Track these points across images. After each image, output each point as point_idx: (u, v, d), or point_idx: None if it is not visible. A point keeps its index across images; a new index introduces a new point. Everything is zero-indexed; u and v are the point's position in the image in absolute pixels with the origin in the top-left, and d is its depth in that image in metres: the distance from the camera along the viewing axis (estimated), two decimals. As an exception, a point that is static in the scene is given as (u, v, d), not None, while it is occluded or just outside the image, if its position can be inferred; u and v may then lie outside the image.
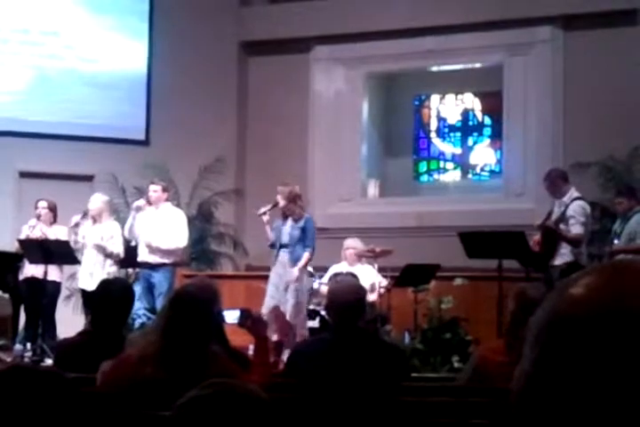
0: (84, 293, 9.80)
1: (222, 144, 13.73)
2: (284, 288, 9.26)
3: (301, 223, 9.39)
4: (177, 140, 13.43)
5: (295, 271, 9.26)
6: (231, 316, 4.52)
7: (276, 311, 9.25)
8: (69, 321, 9.55)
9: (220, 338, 4.52)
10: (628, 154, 11.66)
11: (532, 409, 0.89)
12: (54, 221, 10.32)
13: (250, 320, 4.48)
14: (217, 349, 3.97)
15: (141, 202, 9.90)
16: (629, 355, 0.84)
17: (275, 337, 9.17)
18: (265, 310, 9.25)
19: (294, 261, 9.31)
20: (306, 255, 9.32)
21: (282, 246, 9.38)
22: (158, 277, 9.69)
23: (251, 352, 4.82)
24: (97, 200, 10.11)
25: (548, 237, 8.49)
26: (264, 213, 9.44)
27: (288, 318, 9.19)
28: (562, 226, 8.54)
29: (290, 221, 9.39)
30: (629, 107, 11.91)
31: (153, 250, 9.72)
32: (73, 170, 13.04)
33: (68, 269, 10.47)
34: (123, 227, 10.08)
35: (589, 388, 0.85)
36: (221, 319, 4.63)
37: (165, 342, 3.83)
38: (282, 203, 9.42)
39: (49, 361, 8.40)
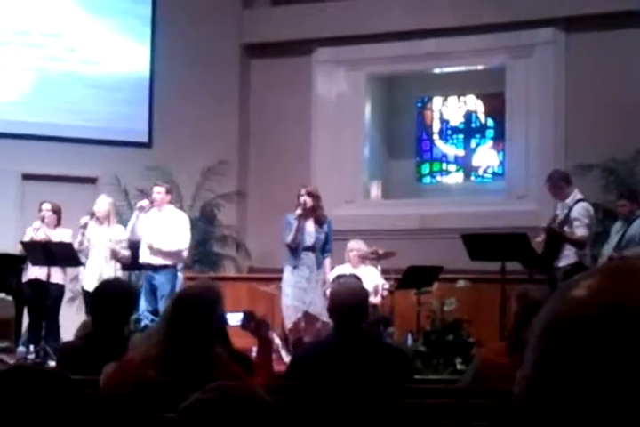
0: (88, 294, 9.80)
1: (225, 146, 13.74)
2: (312, 291, 9.20)
3: (325, 228, 9.32)
4: (179, 143, 13.44)
5: (329, 278, 9.33)
6: (234, 318, 4.53)
7: (307, 315, 9.19)
8: (73, 323, 9.54)
9: (223, 340, 4.52)
10: (631, 156, 11.65)
11: (534, 412, 0.89)
12: (58, 223, 10.33)
13: (253, 322, 4.48)
14: (220, 351, 3.97)
15: (145, 202, 9.91)
16: (632, 358, 0.84)
17: (304, 338, 9.14)
18: (294, 313, 9.19)
19: (320, 264, 9.29)
20: (328, 260, 9.39)
21: (305, 249, 9.26)
22: (160, 279, 9.70)
23: (254, 354, 4.83)
24: (104, 202, 10.13)
25: (552, 239, 8.49)
26: (301, 216, 9.15)
27: (326, 319, 9.09)
28: (566, 228, 8.55)
29: (312, 224, 9.29)
30: (632, 109, 11.90)
31: (155, 252, 9.73)
32: (76, 172, 13.05)
33: (71, 271, 10.48)
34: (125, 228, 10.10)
35: (591, 391, 0.85)
36: (224, 322, 4.63)
37: (168, 344, 3.83)
38: (310, 204, 9.23)
39: (52, 363, 8.40)
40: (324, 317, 9.02)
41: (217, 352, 3.90)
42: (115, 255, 9.90)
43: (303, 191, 9.34)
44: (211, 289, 4.13)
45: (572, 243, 8.43)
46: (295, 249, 9.26)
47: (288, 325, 9.27)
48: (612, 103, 12.12)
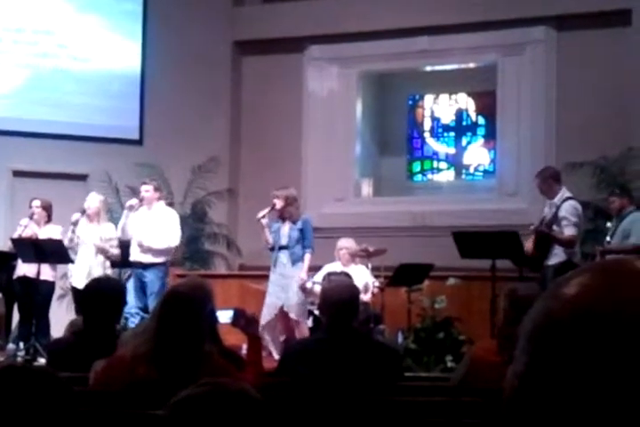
0: (77, 291, 9.78)
1: (216, 143, 13.73)
2: (287, 288, 9.32)
3: (299, 224, 9.47)
4: (170, 140, 13.42)
5: (302, 275, 9.41)
6: (225, 316, 4.54)
7: (281, 311, 9.35)
8: (63, 320, 9.52)
9: (213, 337, 4.53)
10: (622, 154, 11.67)
11: (524, 410, 0.89)
12: (49, 220, 10.31)
13: (243, 320, 4.49)
14: (210, 348, 3.98)
15: (134, 201, 9.90)
16: (623, 355, 0.84)
17: (282, 337, 9.28)
18: (272, 310, 9.31)
19: (294, 261, 9.44)
20: (307, 257, 9.46)
21: (281, 248, 9.48)
22: (150, 277, 9.70)
23: (244, 351, 4.83)
24: (94, 199, 10.11)
25: (541, 240, 8.50)
26: (263, 217, 9.51)
27: (294, 316, 9.30)
28: (555, 227, 8.56)
29: (288, 223, 9.49)
30: (623, 107, 11.93)
31: (144, 249, 9.72)
32: (67, 169, 13.02)
33: (61, 268, 10.46)
34: (117, 226, 10.08)
35: (582, 388, 0.85)
36: (215, 319, 4.64)
37: (158, 341, 3.84)
38: (279, 205, 9.48)
39: (42, 360, 8.39)
40: (294, 314, 9.17)
41: (207, 349, 3.91)
42: (104, 253, 9.88)
43: (272, 194, 9.62)
44: (200, 286, 4.14)
45: (561, 243, 8.45)
46: (272, 249, 9.58)
47: (262, 322, 9.34)
48: (603, 101, 12.14)
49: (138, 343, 3.91)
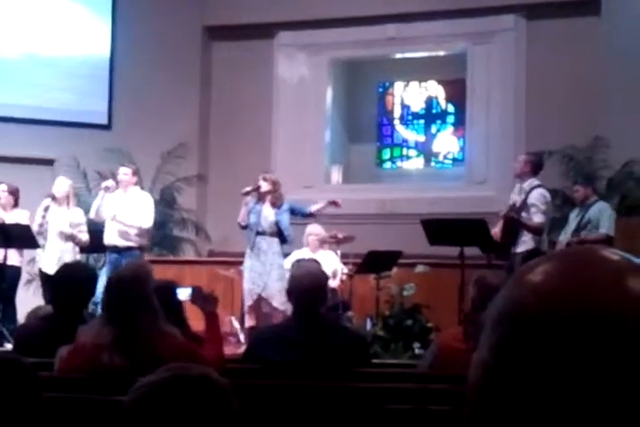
0: (45, 277, 9.73)
1: (185, 129, 13.67)
2: (267, 276, 9.25)
3: (286, 206, 9.36)
4: (139, 125, 13.35)
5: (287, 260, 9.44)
6: (184, 293, 4.62)
7: (262, 298, 9.24)
8: (29, 306, 9.45)
9: (179, 322, 4.56)
10: (589, 143, 11.74)
11: (490, 397, 0.89)
12: (15, 204, 10.23)
13: (201, 298, 4.59)
14: (169, 327, 4.02)
15: (110, 182, 9.81)
16: (586, 343, 0.85)
17: (252, 323, 9.19)
18: (252, 296, 9.22)
19: (278, 249, 9.35)
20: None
21: (260, 233, 9.31)
22: (125, 262, 9.63)
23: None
24: (63, 184, 10.03)
25: (509, 226, 8.53)
26: (247, 194, 9.35)
27: (277, 304, 9.13)
28: (523, 214, 8.59)
29: (270, 208, 9.33)
30: (591, 96, 11.98)
31: (119, 228, 9.59)
32: (34, 154, 12.92)
33: (27, 253, 10.39)
34: (85, 211, 10.01)
35: (546, 375, 0.85)
36: (178, 302, 4.70)
37: (114, 327, 3.92)
38: (266, 188, 9.34)
39: (8, 346, 8.35)
40: (276, 301, 9.09)
41: (164, 329, 3.96)
42: (72, 239, 9.82)
43: (260, 176, 9.46)
44: (139, 267, 4.27)
45: (529, 229, 8.48)
46: (244, 228, 9.39)
47: (245, 307, 9.34)
48: (572, 90, 12.20)
49: (95, 332, 3.96)
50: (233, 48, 14.12)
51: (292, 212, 9.41)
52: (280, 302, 9.21)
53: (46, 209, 9.85)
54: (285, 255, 9.76)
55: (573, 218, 9.36)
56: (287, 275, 9.59)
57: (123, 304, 3.94)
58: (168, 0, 13.75)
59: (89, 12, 13.81)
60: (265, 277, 9.21)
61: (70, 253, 9.76)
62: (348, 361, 4.50)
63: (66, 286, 4.92)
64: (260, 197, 9.37)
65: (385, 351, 8.64)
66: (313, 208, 9.56)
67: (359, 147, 14.66)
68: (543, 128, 12.26)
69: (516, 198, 8.78)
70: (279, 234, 9.29)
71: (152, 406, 1.84)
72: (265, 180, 9.38)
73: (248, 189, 9.38)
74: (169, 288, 4.66)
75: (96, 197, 9.98)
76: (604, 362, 0.84)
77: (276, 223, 9.26)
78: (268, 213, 9.28)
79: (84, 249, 10.19)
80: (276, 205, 9.32)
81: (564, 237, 9.26)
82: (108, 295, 4.04)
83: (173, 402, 1.84)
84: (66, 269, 5.23)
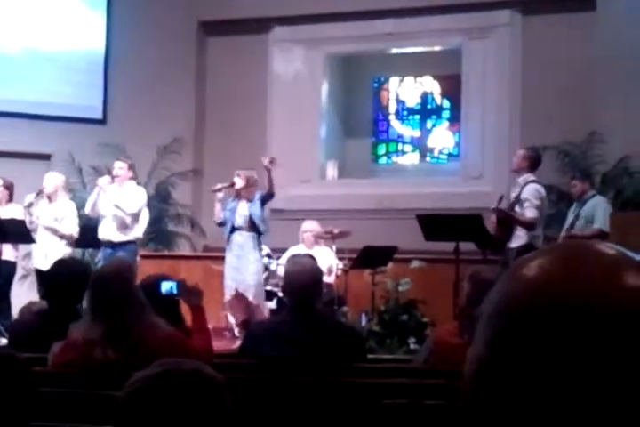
0: (39, 273, 9.72)
1: (180, 124, 13.66)
2: (243, 269, 9.31)
3: (257, 196, 9.40)
4: (135, 120, 13.33)
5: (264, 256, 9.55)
6: (167, 286, 4.64)
7: (238, 293, 9.31)
8: (24, 301, 9.45)
9: (174, 317, 4.58)
10: (585, 138, 11.75)
11: (485, 391, 0.89)
12: (10, 199, 10.21)
13: (185, 291, 4.62)
14: (157, 320, 4.06)
15: (105, 181, 9.74)
16: (580, 337, 0.85)
17: (240, 317, 9.27)
18: (229, 291, 9.30)
19: (256, 243, 9.41)
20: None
21: (235, 229, 9.41)
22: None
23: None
24: (52, 178, 10.00)
25: (502, 220, 8.53)
26: (219, 190, 9.46)
27: (251, 298, 9.26)
28: (517, 208, 8.58)
29: (245, 203, 9.41)
30: (587, 91, 11.98)
31: (116, 219, 9.53)
32: (29, 149, 12.89)
33: (23, 248, 10.38)
34: (79, 206, 9.99)
35: (541, 369, 0.85)
36: (175, 299, 4.71)
37: (102, 323, 3.97)
38: (239, 185, 9.43)
39: (3, 341, 8.34)
40: (251, 295, 9.17)
41: (151, 321, 4.01)
42: (55, 233, 9.76)
43: (235, 173, 9.57)
44: (119, 264, 4.39)
45: (521, 224, 8.46)
46: (220, 225, 9.55)
47: (225, 303, 9.39)
48: (568, 86, 12.20)
49: (86, 327, 4.00)
50: (228, 43, 14.10)
51: (263, 199, 9.44)
52: (255, 295, 9.28)
53: (29, 206, 9.82)
54: (281, 251, 9.78)
55: (571, 213, 9.37)
56: (277, 270, 9.69)
57: (107, 301, 4.00)
58: (163, -5, 13.73)
59: (84, 7, 13.78)
60: (243, 270, 9.28)
61: (58, 248, 9.70)
62: (343, 356, 4.50)
63: (60, 282, 4.93)
64: (237, 194, 9.50)
65: (380, 347, 8.65)
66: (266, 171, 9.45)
67: (354, 142, 14.65)
68: (539, 123, 12.26)
69: (512, 195, 8.78)
70: (254, 227, 9.36)
71: (146, 400, 1.84)
72: (238, 176, 9.47)
73: (219, 185, 9.49)
74: (157, 282, 4.67)
75: (92, 193, 9.95)
76: (600, 356, 0.84)
77: (250, 216, 9.32)
78: (242, 209, 9.37)
79: (78, 244, 10.17)
80: (249, 199, 9.40)
81: (564, 232, 9.28)
82: (91, 293, 4.10)
83: (167, 396, 1.84)
84: (60, 265, 5.25)
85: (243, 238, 9.39)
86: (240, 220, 9.39)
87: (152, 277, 4.84)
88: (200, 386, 1.86)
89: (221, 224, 9.53)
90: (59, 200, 9.90)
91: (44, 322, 4.78)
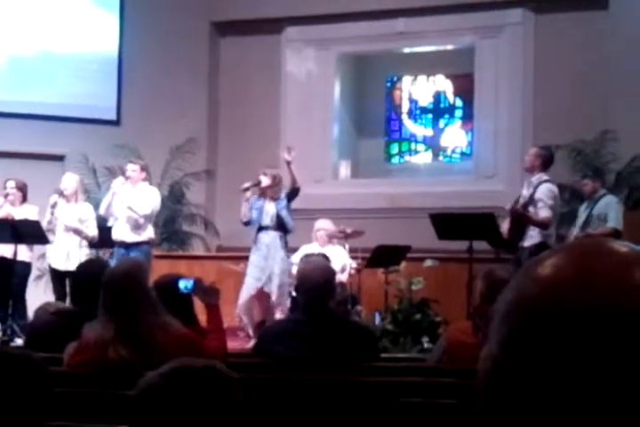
0: (55, 272, 9.75)
1: (194, 124, 13.68)
2: (269, 270, 9.27)
3: (283, 195, 9.38)
4: (148, 121, 13.36)
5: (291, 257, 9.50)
6: (183, 285, 4.65)
7: (261, 293, 9.27)
8: (39, 301, 9.48)
9: (188, 317, 4.59)
10: (598, 137, 11.71)
11: (499, 390, 0.90)
12: (24, 200, 10.24)
13: (201, 290, 4.62)
14: (170, 319, 4.06)
15: (119, 183, 9.71)
16: (594, 336, 0.85)
17: (257, 317, 9.25)
18: (250, 291, 9.26)
19: (284, 243, 9.39)
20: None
21: (262, 228, 9.36)
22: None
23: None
24: (71, 179, 10.03)
25: (516, 221, 8.52)
26: (247, 189, 9.41)
27: (274, 298, 9.21)
28: (530, 208, 8.57)
29: (271, 202, 9.37)
30: (599, 90, 11.96)
31: (130, 220, 9.53)
32: (44, 150, 12.94)
33: (37, 249, 10.41)
34: (94, 207, 10.02)
35: (555, 368, 0.86)
36: (189, 300, 4.72)
37: (115, 323, 3.98)
38: (265, 183, 9.38)
39: (19, 341, 8.37)
40: (275, 296, 9.14)
41: (164, 320, 4.01)
42: (79, 234, 9.81)
43: (261, 171, 9.51)
44: (129, 264, 4.38)
45: (535, 224, 8.45)
46: (247, 224, 9.47)
47: (239, 302, 9.33)
48: (580, 84, 12.17)
49: (99, 328, 4.01)
50: (241, 43, 14.11)
51: (289, 196, 9.42)
52: (278, 295, 9.25)
53: (54, 206, 9.85)
54: (294, 250, 9.77)
55: (582, 212, 9.34)
56: (291, 269, 9.68)
57: (118, 300, 4.00)
58: (176, -4, 13.76)
59: (97, 9, 13.82)
60: (269, 270, 9.25)
61: (78, 249, 9.75)
62: (356, 355, 4.50)
63: (86, 282, 4.93)
64: (262, 193, 9.42)
65: (394, 346, 8.65)
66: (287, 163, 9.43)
67: (367, 141, 14.65)
68: (551, 122, 12.23)
69: (525, 193, 8.77)
70: (281, 226, 9.33)
71: (159, 398, 1.85)
72: (265, 174, 9.41)
73: (247, 184, 9.43)
74: (171, 282, 4.68)
75: (106, 194, 9.97)
76: (614, 355, 0.84)
77: (277, 215, 9.30)
78: (269, 208, 9.32)
79: (92, 244, 10.20)
80: (275, 198, 9.37)
81: (574, 231, 9.24)
82: (103, 293, 4.09)
83: (180, 392, 1.85)
84: (86, 266, 5.29)
85: (270, 238, 9.33)
86: (267, 219, 9.33)
87: (167, 277, 4.85)
88: (213, 382, 1.87)
89: (247, 223, 9.46)
90: (79, 202, 9.94)
91: (66, 322, 4.78)
